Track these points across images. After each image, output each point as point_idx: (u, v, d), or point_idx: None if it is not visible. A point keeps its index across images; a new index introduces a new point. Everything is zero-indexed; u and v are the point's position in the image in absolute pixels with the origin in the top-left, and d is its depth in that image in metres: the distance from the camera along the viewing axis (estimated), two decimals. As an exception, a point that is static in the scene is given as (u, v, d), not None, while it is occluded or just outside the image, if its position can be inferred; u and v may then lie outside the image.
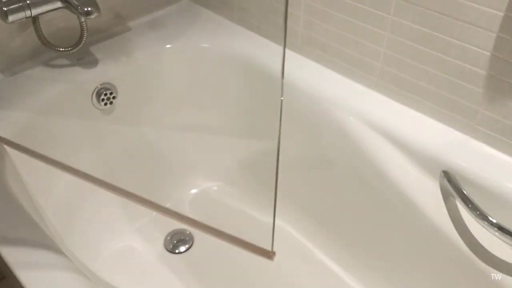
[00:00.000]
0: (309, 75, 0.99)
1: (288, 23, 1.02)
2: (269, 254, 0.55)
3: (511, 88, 0.73)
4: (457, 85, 0.79)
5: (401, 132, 0.86)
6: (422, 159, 0.82)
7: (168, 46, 1.08)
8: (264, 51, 1.06)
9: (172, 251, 1.10)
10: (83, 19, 0.93)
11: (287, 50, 1.05)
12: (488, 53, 0.73)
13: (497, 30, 0.70)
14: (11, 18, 0.84)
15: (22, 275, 0.59)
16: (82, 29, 0.95)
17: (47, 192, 0.95)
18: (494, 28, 0.70)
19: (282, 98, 0.81)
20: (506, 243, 0.70)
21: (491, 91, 0.76)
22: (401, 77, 0.87)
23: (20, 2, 0.85)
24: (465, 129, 0.82)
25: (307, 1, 0.95)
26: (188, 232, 1.14)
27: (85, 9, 0.88)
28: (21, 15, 0.85)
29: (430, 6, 0.76)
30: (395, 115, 0.89)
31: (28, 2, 0.85)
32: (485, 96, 0.77)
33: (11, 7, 0.84)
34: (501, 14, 0.69)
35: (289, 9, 0.99)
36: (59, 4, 0.90)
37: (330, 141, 0.96)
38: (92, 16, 0.88)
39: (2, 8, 0.83)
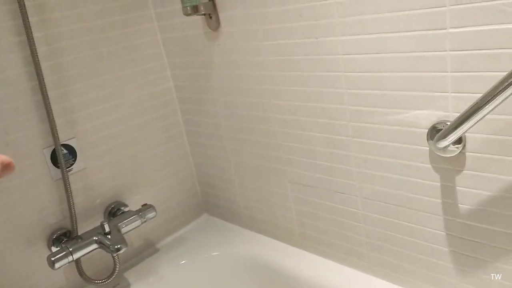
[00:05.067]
0: (310, 266, 1.10)
1: (285, 224, 1.18)
2: None
3: (475, 261, 0.81)
4: (432, 262, 0.88)
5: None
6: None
7: (182, 262, 1.25)
8: (268, 248, 1.21)
9: None
10: (114, 254, 1.12)
11: (288, 246, 1.19)
12: (443, 233, 0.84)
13: (442, 213, 0.83)
14: (57, 265, 1.05)
15: None
16: (114, 262, 1.14)
17: None
18: (439, 211, 0.83)
19: None
20: None
21: (459, 265, 0.84)
22: (386, 260, 0.97)
23: (64, 251, 1.06)
24: (453, 302, 0.87)
25: (296, 206, 1.12)
26: None
27: (116, 246, 1.08)
28: (65, 261, 1.06)
29: (388, 200, 0.91)
30: (392, 296, 0.96)
31: (70, 250, 1.07)
32: (457, 270, 0.84)
33: (57, 256, 1.05)
34: (440, 200, 0.82)
35: (285, 213, 1.17)
36: (95, 246, 1.11)
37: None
38: (121, 251, 1.08)
39: (50, 259, 1.04)
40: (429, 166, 0.80)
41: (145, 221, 1.20)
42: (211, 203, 1.43)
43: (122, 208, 1.24)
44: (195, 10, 1.04)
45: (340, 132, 0.93)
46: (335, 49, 0.85)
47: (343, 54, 0.84)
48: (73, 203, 1.09)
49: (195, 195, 1.44)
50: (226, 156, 1.26)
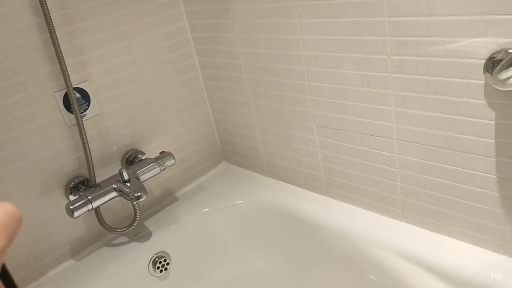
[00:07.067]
0: (338, 214, 1.05)
1: (310, 171, 1.12)
2: None
3: (527, 204, 0.75)
4: (476, 208, 0.82)
5: (437, 260, 0.86)
6: (463, 285, 0.81)
7: (206, 209, 1.21)
8: (292, 197, 1.16)
9: None
10: (135, 202, 1.08)
11: (314, 194, 1.14)
12: (494, 176, 0.77)
13: (494, 154, 0.75)
14: (76, 214, 1.01)
15: None
16: (135, 210, 1.10)
17: None
18: (491, 153, 0.76)
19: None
20: None
21: (510, 210, 0.77)
22: (423, 206, 0.91)
23: (83, 199, 1.02)
24: (498, 249, 0.82)
25: (322, 152, 1.06)
26: None
27: (136, 194, 1.03)
28: (84, 209, 1.02)
29: (430, 142, 0.84)
30: (428, 244, 0.90)
31: (89, 198, 1.03)
32: (507, 215, 0.78)
33: (76, 204, 1.01)
34: (492, 141, 0.75)
35: (310, 159, 1.10)
36: (114, 194, 1.06)
37: (370, 277, 0.97)
38: (142, 200, 1.03)
39: (69, 207, 1.00)
40: (483, 102, 0.72)
41: (164, 169, 1.15)
42: (230, 151, 1.37)
43: (139, 156, 1.19)
44: None
45: (377, 68, 0.84)
46: (377, -30, 0.75)
47: (386, -24, 0.74)
48: (89, 150, 1.04)
49: (214, 142, 1.38)
50: (246, 100, 1.19)
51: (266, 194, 1.21)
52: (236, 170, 1.36)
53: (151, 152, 1.22)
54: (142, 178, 1.11)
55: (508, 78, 0.64)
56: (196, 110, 1.30)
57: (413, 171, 0.89)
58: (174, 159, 1.16)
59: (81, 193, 1.04)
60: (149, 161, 1.14)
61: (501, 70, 0.62)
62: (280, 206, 1.16)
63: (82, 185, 1.09)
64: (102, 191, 1.05)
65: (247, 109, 1.20)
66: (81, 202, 1.02)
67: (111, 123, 1.12)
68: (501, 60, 0.65)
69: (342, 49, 0.88)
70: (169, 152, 1.17)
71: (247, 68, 1.12)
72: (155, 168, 1.13)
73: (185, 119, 1.28)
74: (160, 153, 1.17)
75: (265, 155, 1.24)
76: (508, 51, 0.65)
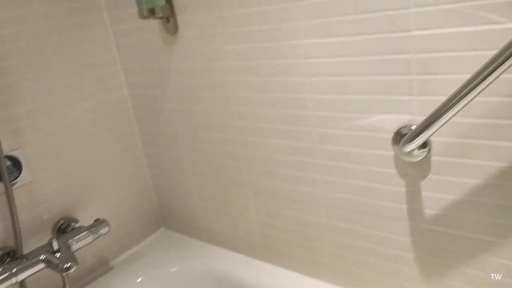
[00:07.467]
0: (274, 279, 1.07)
1: (247, 236, 1.14)
2: None
3: (440, 267, 0.81)
4: (397, 270, 0.87)
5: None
6: None
7: (139, 279, 1.18)
8: (228, 262, 1.16)
9: None
10: (64, 274, 1.04)
11: (250, 259, 1.15)
12: (409, 239, 0.83)
13: (407, 219, 0.82)
14: (-2, 289, 0.95)
15: None
16: (64, 282, 1.05)
17: None
18: (404, 217, 0.82)
19: None
20: None
21: (425, 272, 0.83)
22: (350, 269, 0.95)
23: (6, 272, 0.97)
24: (420, 310, 0.86)
25: (257, 217, 1.09)
26: None
27: (65, 266, 0.99)
28: (7, 283, 0.96)
29: (352, 208, 0.89)
30: (358, 306, 0.93)
31: (13, 271, 0.98)
32: (423, 277, 0.83)
33: (-1, 278, 0.96)
34: (405, 206, 0.81)
35: (246, 225, 1.13)
36: (42, 266, 1.02)
37: None
38: (72, 270, 1.00)
39: (-9, 282, 0.95)
40: (394, 171, 0.79)
41: (97, 237, 1.12)
42: (168, 217, 1.36)
43: (73, 223, 1.15)
44: (152, 13, 1.00)
45: (303, 139, 0.90)
46: (298, 53, 0.83)
47: (307, 58, 0.83)
48: (17, 219, 1.00)
49: (152, 208, 1.37)
50: (185, 167, 1.21)
51: (202, 260, 1.20)
52: (174, 236, 1.35)
53: (85, 219, 1.19)
54: (74, 247, 1.07)
55: (412, 150, 0.71)
56: (134, 177, 1.31)
57: (339, 235, 0.94)
58: (109, 227, 1.14)
59: (5, 266, 0.99)
60: (82, 229, 1.11)
61: (406, 143, 0.70)
62: (215, 272, 1.16)
63: (7, 257, 1.04)
64: (28, 263, 1.00)
65: (185, 176, 1.22)
66: (4, 276, 0.96)
67: (43, 191, 1.10)
68: (406, 134, 0.73)
69: (271, 120, 0.94)
70: (104, 220, 1.15)
71: (184, 137, 1.16)
72: (88, 236, 1.10)
73: (122, 185, 1.28)
74: (95, 221, 1.15)
75: (202, 221, 1.25)
76: (411, 127, 0.74)
